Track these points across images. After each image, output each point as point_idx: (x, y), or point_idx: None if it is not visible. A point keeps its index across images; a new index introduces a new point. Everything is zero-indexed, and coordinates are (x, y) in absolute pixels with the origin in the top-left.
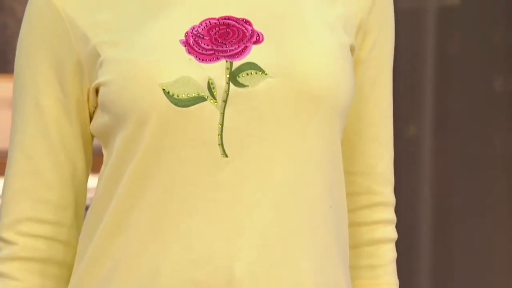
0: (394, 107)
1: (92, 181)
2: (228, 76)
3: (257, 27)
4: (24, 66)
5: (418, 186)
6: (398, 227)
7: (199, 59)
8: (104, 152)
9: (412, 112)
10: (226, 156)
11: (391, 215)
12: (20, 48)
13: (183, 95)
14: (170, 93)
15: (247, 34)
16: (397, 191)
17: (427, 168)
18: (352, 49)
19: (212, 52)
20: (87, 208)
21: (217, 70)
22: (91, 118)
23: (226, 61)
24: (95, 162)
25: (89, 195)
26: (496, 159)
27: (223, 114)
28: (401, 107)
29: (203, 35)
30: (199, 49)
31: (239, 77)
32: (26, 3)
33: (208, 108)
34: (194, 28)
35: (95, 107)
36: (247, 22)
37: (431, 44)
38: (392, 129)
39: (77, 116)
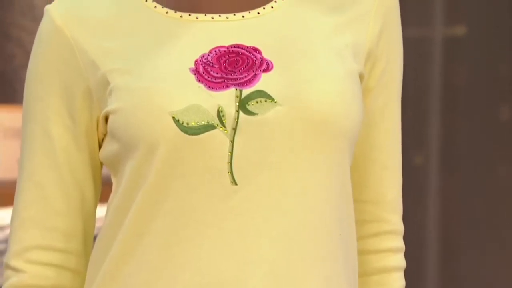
0: (402, 136)
1: (101, 210)
2: (237, 104)
3: (266, 55)
4: (34, 94)
5: (425, 216)
6: (405, 256)
7: (209, 87)
8: (113, 180)
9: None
10: (236, 184)
11: (400, 243)
12: (30, 76)
13: (193, 123)
14: (180, 121)
15: (256, 62)
16: (403, 220)
17: (433, 198)
18: (361, 77)
19: (222, 80)
20: (95, 237)
21: (227, 98)
22: (100, 146)
23: (236, 89)
24: (103, 191)
25: (98, 224)
26: (502, 189)
27: (232, 142)
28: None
29: (212, 63)
30: (208, 77)
31: (248, 105)
32: (34, 33)
33: (218, 136)
34: (203, 56)
35: (104, 135)
36: (256, 50)
37: (437, 73)
38: (401, 157)
39: (86, 144)
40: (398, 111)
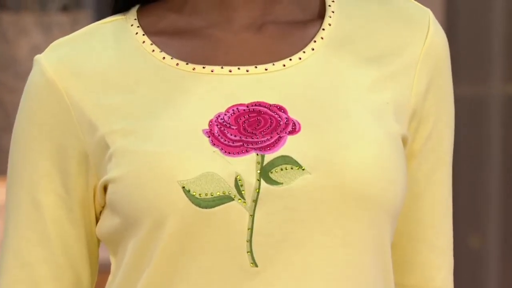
0: (454, 212)
1: None
2: (259, 171)
3: (292, 114)
4: (20, 157)
5: None
6: None
7: (225, 152)
8: (112, 260)
9: (474, 219)
10: (256, 265)
11: None
12: (16, 137)
13: (206, 194)
14: (191, 192)
15: (281, 123)
16: None
17: (492, 286)
18: (404, 140)
19: (241, 143)
20: None
21: (246, 165)
22: (97, 220)
23: (257, 154)
24: (99, 281)
25: None
26: None
27: (253, 216)
28: (461, 212)
29: (230, 124)
30: (225, 140)
31: (271, 172)
32: (16, 91)
33: (236, 209)
34: (219, 115)
35: (103, 207)
36: (281, 108)
37: (496, 137)
38: (452, 234)
39: (81, 217)
40: (448, 180)
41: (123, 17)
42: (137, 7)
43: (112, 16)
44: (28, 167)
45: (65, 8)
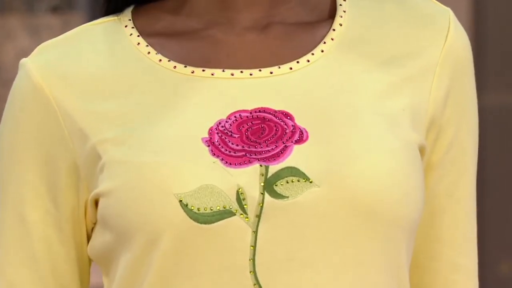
0: (483, 236)
1: None
2: (262, 184)
3: (299, 122)
4: (5, 170)
5: None
6: None
7: (226, 162)
8: (105, 281)
9: (505, 242)
10: (260, 286)
11: None
12: (0, 147)
13: (205, 209)
14: (189, 206)
15: (287, 131)
16: None
17: None
18: (422, 150)
19: (243, 153)
20: None
21: (249, 177)
22: (89, 239)
23: (260, 165)
24: None
25: None
26: None
27: (256, 232)
28: (489, 234)
29: (231, 132)
30: (226, 150)
31: (276, 185)
32: (3, 103)
33: (237, 225)
34: (220, 123)
35: (95, 224)
36: (287, 115)
37: None
38: (476, 256)
39: (72, 234)
40: (471, 195)
41: (116, 18)
42: (131, 7)
43: (104, 17)
44: (14, 180)
45: (55, 9)
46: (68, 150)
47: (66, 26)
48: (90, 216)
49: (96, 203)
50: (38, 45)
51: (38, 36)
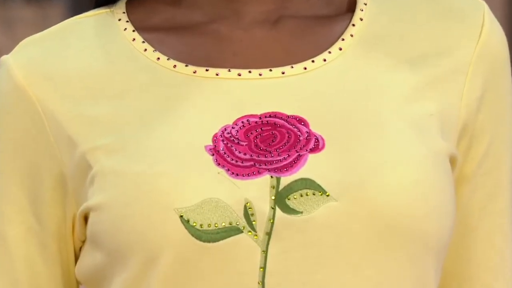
0: None
1: None
2: (273, 197)
3: (315, 128)
4: None
5: None
6: None
7: (233, 173)
8: None
9: None
10: None
11: None
12: None
13: (209, 225)
14: (190, 222)
15: (301, 138)
16: None
17: None
18: (452, 160)
19: (251, 163)
20: None
21: (258, 190)
22: (76, 257)
23: (271, 177)
24: None
25: None
26: None
27: (265, 252)
28: None
29: (238, 139)
30: (232, 159)
31: (289, 199)
32: None
33: (245, 243)
34: (226, 129)
35: (83, 242)
36: (301, 121)
37: None
38: None
39: (57, 253)
40: (508, 211)
41: (108, 10)
42: None
43: (94, 10)
44: None
45: (30, 0)
46: (54, 158)
47: (45, 20)
48: (79, 233)
49: (85, 218)
50: (10, 40)
51: (12, 31)
